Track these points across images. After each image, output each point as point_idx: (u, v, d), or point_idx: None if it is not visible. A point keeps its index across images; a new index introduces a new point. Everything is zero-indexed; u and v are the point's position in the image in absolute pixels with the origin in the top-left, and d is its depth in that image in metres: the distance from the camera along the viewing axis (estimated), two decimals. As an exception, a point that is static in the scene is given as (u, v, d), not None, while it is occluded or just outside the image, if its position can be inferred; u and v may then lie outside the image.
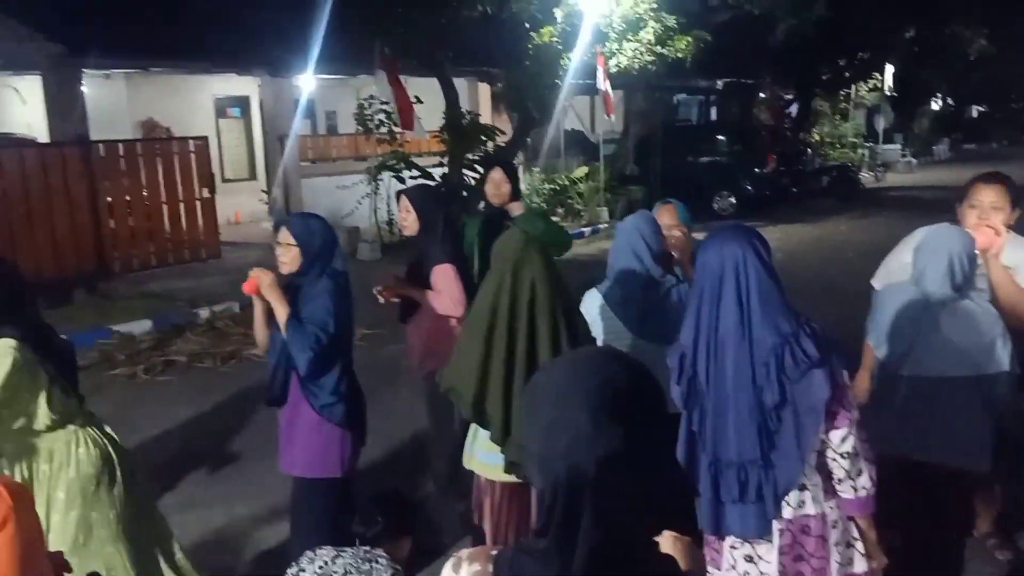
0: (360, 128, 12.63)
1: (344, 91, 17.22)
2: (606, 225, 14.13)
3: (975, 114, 36.28)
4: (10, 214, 9.31)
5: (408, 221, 3.79)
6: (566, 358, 1.28)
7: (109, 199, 10.44)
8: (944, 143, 30.41)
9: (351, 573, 2.30)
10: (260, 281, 3.07)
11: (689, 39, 12.49)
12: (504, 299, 2.59)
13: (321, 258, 3.10)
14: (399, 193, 3.99)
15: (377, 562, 2.34)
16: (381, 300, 3.82)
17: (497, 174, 4.35)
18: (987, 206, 3.16)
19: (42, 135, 12.61)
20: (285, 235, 3.11)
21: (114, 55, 11.53)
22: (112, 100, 14.09)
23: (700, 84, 20.14)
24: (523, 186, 14.04)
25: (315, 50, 11.36)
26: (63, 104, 11.04)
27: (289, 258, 3.10)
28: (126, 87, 14.56)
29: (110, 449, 2.84)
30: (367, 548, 2.41)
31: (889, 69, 22.20)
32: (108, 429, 2.94)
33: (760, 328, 2.17)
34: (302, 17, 10.88)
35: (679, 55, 12.59)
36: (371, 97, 12.08)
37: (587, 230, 13.91)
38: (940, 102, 30.85)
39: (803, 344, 2.13)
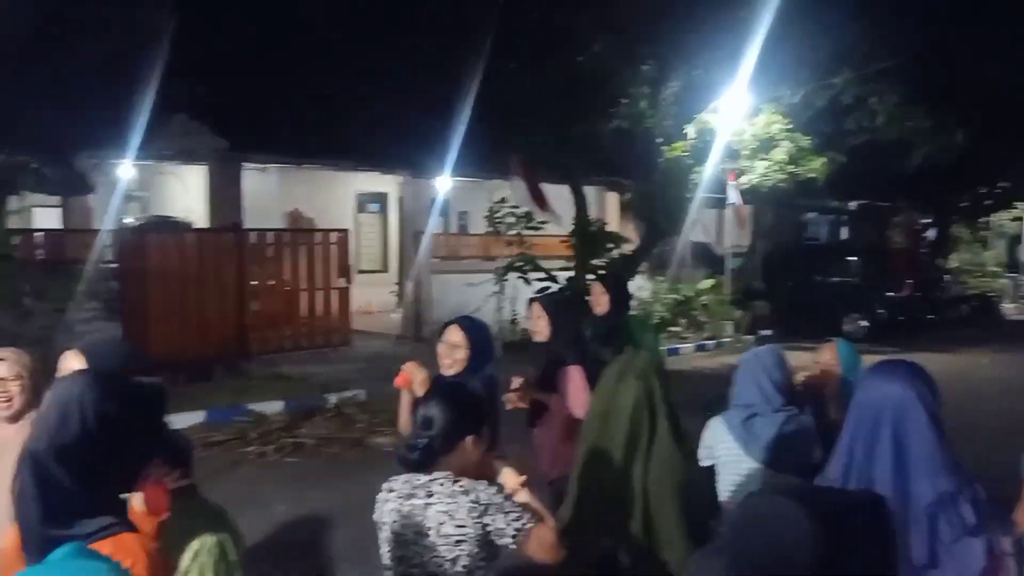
0: (490, 229, 13.06)
1: (477, 193, 17.93)
2: (730, 339, 13.85)
3: None
4: (165, 291, 10.05)
5: (540, 327, 3.91)
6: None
7: (254, 283, 11.12)
8: (1096, 277, 28.45)
9: None
10: (413, 377, 3.16)
11: (823, 160, 12.40)
12: (621, 422, 2.68)
13: (482, 362, 3.21)
14: (532, 300, 4.14)
15: None
16: (509, 406, 3.87)
17: (597, 287, 4.67)
18: None
19: (199, 220, 13.70)
20: (457, 335, 3.21)
21: (272, 151, 12.55)
22: (265, 191, 15.19)
23: (832, 204, 19.82)
24: (647, 295, 14.05)
25: (454, 153, 12.01)
26: (223, 193, 12.01)
27: (456, 359, 3.21)
28: (278, 180, 15.70)
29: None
30: None
31: (1035, 198, 21.15)
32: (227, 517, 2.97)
33: (917, 483, 2.00)
34: (443, 121, 11.56)
35: (812, 175, 12.50)
36: (503, 200, 12.53)
37: (710, 343, 13.67)
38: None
39: (961, 509, 1.96)
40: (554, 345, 3.84)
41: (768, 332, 14.65)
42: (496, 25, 10.72)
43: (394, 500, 2.29)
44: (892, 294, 15.53)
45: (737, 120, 11.93)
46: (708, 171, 12.11)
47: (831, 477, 2.20)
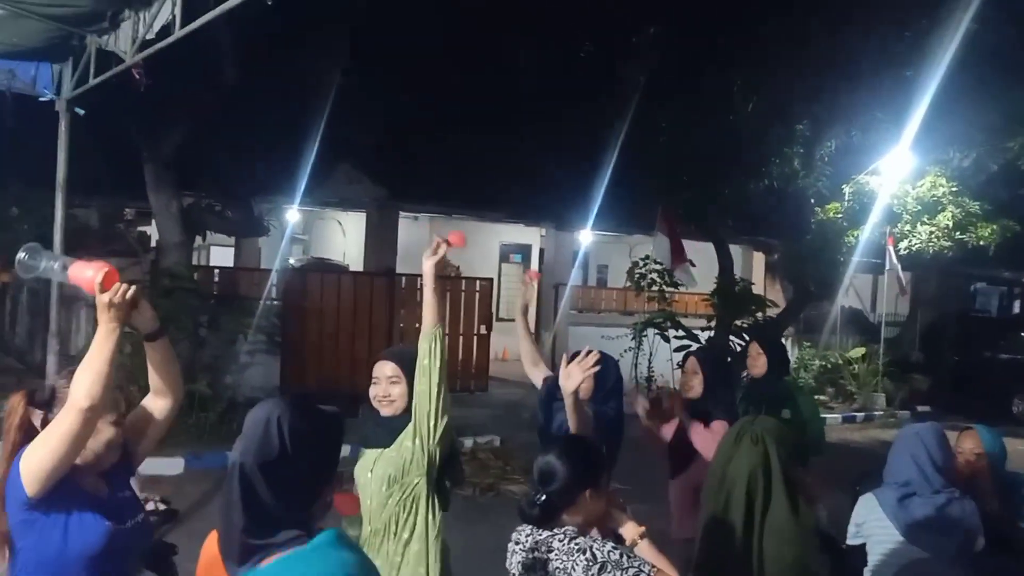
0: (630, 284, 13.04)
1: (617, 247, 18.01)
2: (881, 413, 13.07)
3: None
4: (321, 328, 10.68)
5: (693, 383, 3.87)
6: None
7: (402, 326, 11.61)
8: None
9: None
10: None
11: (994, 227, 11.63)
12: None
13: (607, 396, 3.37)
14: (688, 354, 4.09)
15: None
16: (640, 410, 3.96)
17: (754, 348, 4.48)
18: None
19: (355, 263, 14.51)
20: None
21: (426, 201, 13.19)
22: (416, 239, 15.90)
23: (1004, 275, 18.44)
24: (792, 361, 13.52)
25: (597, 207, 12.15)
26: (379, 239, 12.70)
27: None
28: (430, 228, 16.40)
29: None
30: None
31: None
32: None
33: None
34: (589, 175, 11.74)
35: (981, 243, 11.73)
36: (646, 257, 12.51)
37: (859, 415, 12.94)
38: None
39: None
40: (705, 403, 3.79)
41: (926, 408, 13.70)
42: (647, 82, 10.87)
43: (519, 552, 2.32)
44: (1072, 375, 14.18)
45: (898, 183, 11.43)
46: (864, 234, 11.63)
47: None
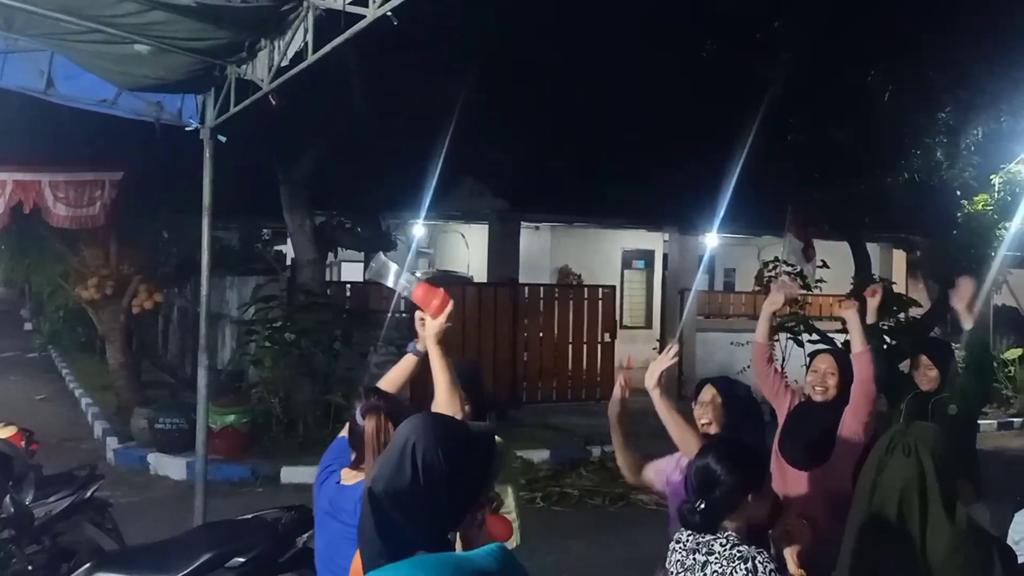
0: (759, 288, 12.60)
1: (745, 250, 17.44)
2: (1020, 418, 12.07)
3: None
4: (447, 338, 10.86)
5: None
6: None
7: (526, 335, 11.69)
8: None
9: None
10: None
11: None
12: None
13: (740, 425, 3.15)
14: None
15: None
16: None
17: (925, 360, 4.26)
18: None
19: (479, 275, 14.72)
20: (709, 394, 3.23)
21: (547, 210, 13.22)
22: (538, 248, 15.98)
23: None
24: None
25: (722, 210, 11.78)
26: (501, 250, 12.82)
27: (710, 418, 3.18)
28: (550, 237, 16.45)
29: None
30: None
31: None
32: None
33: None
34: (713, 177, 11.40)
35: None
36: (776, 259, 12.05)
37: (1017, 420, 11.97)
38: None
39: None
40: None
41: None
42: (776, 80, 10.48)
43: (679, 552, 2.31)
44: None
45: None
46: (1017, 226, 10.76)
47: None
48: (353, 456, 2.51)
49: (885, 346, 11.37)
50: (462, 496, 1.66)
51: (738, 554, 2.18)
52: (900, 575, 2.74)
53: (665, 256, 15.29)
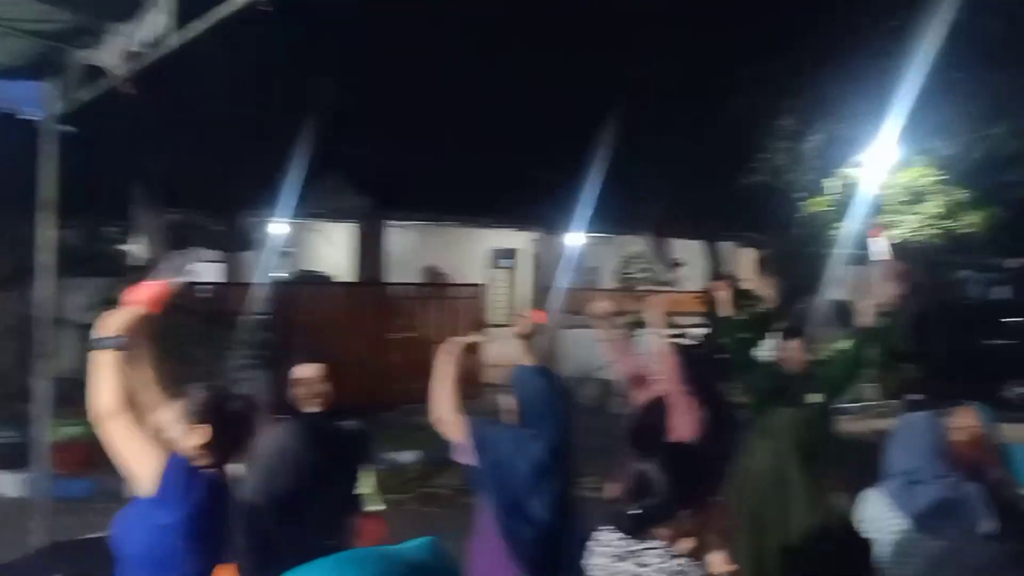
0: (621, 284, 13.03)
1: (606, 248, 17.97)
2: (874, 403, 13.09)
3: None
4: (311, 340, 10.57)
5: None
6: None
7: (393, 335, 11.53)
8: None
9: None
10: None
11: (982, 214, 11.70)
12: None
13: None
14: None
15: None
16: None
17: (794, 343, 4.35)
18: None
19: (344, 275, 14.40)
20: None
21: (413, 209, 13.11)
22: (404, 247, 15.81)
23: (991, 261, 18.55)
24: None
25: (588, 209, 12.12)
26: (367, 249, 12.61)
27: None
28: (417, 237, 16.32)
29: None
30: None
31: None
32: None
33: None
34: (578, 178, 11.71)
35: (968, 230, 11.79)
36: (636, 257, 12.50)
37: (852, 406, 12.95)
38: None
39: None
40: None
41: (918, 396, 13.73)
42: (635, 83, 10.86)
43: (603, 556, 2.18)
44: (1061, 360, 14.29)
45: (883, 173, 11.46)
46: (851, 226, 11.66)
47: None
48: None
49: (739, 338, 12.06)
50: (340, 499, 1.60)
51: (677, 568, 2.07)
52: (767, 556, 2.89)
53: (532, 255, 15.52)
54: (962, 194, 11.54)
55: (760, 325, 12.24)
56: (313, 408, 3.06)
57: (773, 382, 4.35)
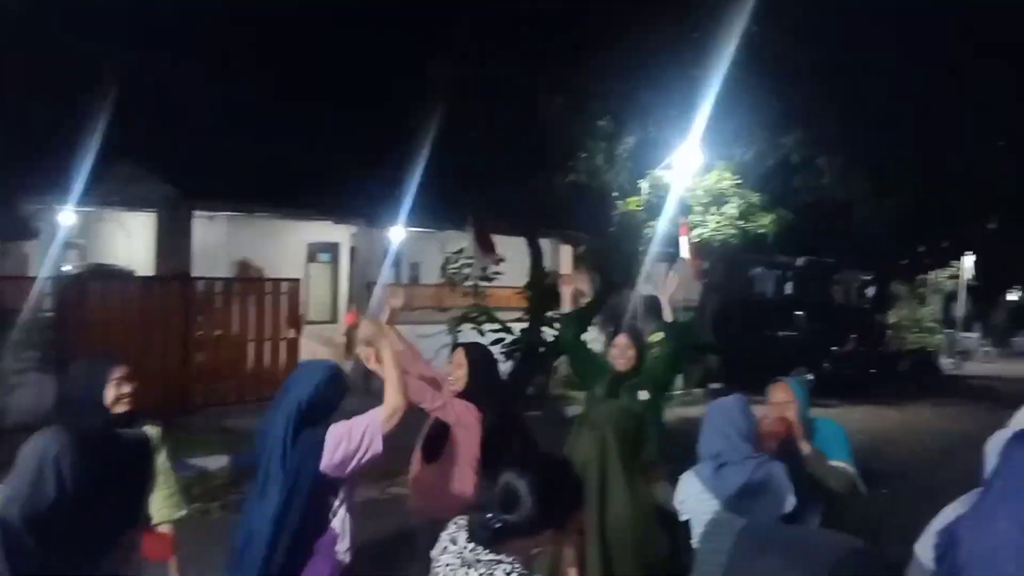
0: (444, 280, 12.95)
1: (429, 243, 17.83)
2: (680, 392, 13.88)
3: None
4: (103, 342, 9.63)
5: (458, 375, 3.83)
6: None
7: (200, 333, 10.76)
8: (1022, 336, 29.60)
9: None
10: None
11: (772, 216, 12.67)
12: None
13: None
14: (456, 346, 4.17)
15: None
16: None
17: (622, 339, 4.38)
18: None
19: (143, 269, 13.28)
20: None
21: (223, 199, 12.31)
22: (213, 240, 14.84)
23: (780, 260, 20.27)
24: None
25: (409, 203, 11.93)
26: (171, 241, 11.69)
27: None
28: (227, 228, 15.37)
29: None
30: None
31: (969, 258, 22.05)
32: None
33: None
34: (399, 171, 11.50)
35: (761, 231, 12.74)
36: (460, 251, 12.46)
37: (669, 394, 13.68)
38: (1021, 293, 30.28)
39: None
40: (468, 395, 3.77)
41: (718, 385, 14.74)
42: (458, 78, 10.80)
43: (453, 556, 2.08)
44: (836, 348, 15.84)
45: (690, 176, 12.13)
46: (661, 226, 12.25)
47: (961, 534, 2.13)
48: None
49: (556, 335, 12.32)
50: (116, 514, 1.35)
51: None
52: (592, 548, 2.87)
53: (352, 249, 15.07)
54: (756, 197, 12.43)
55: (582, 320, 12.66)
56: (107, 413, 2.72)
57: (606, 375, 4.41)
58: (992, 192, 18.04)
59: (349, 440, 2.81)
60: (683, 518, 3.22)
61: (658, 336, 16.30)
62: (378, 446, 2.78)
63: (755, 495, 3.06)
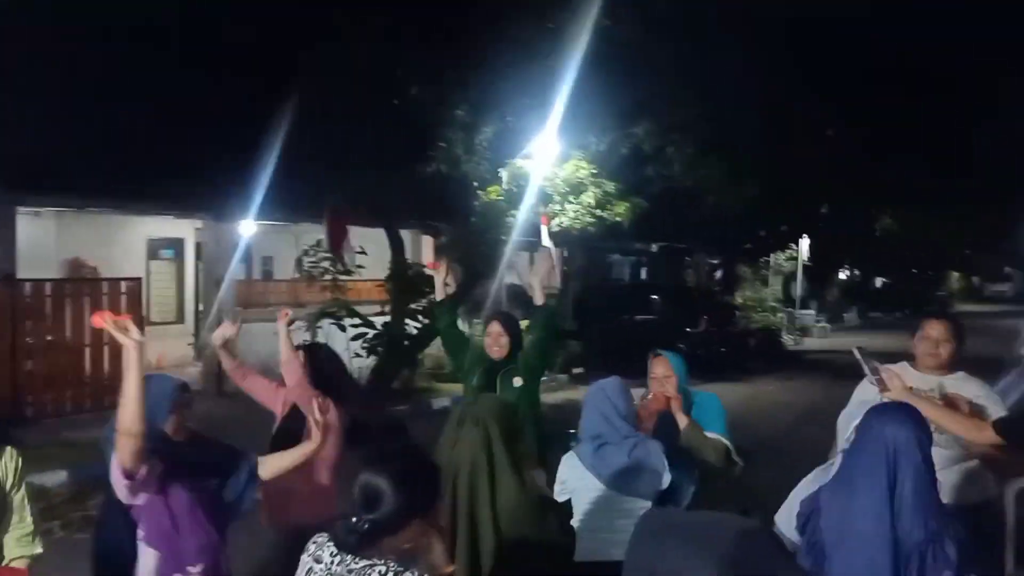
0: (300, 274, 12.50)
1: (283, 237, 17.16)
2: (544, 378, 14.07)
3: (879, 284, 38.66)
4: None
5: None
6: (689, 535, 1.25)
7: (29, 340, 9.86)
8: (853, 311, 32.10)
9: None
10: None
11: (627, 204, 13.03)
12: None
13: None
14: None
15: None
16: None
17: (495, 327, 4.38)
18: (935, 338, 3.49)
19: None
20: None
21: (50, 194, 11.29)
22: (40, 238, 13.62)
23: (635, 246, 20.98)
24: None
25: (259, 196, 11.38)
26: (-9, 240, 10.59)
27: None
28: (56, 225, 14.16)
29: None
30: None
31: (805, 241, 23.65)
32: None
33: (909, 521, 2.12)
34: (248, 162, 10.95)
35: (617, 219, 13.08)
36: (317, 244, 12.05)
37: (543, 378, 13.80)
38: (848, 272, 32.83)
39: (946, 547, 2.11)
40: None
41: (580, 370, 15.07)
42: (312, 66, 10.39)
43: (320, 574, 1.99)
44: (690, 330, 16.55)
45: (549, 166, 12.26)
46: (522, 215, 12.32)
47: (820, 507, 2.25)
48: None
49: (418, 328, 12.15)
50: None
51: None
52: (471, 539, 2.87)
53: (198, 244, 14.24)
54: (612, 186, 12.74)
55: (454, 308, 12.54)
56: None
57: (481, 365, 4.41)
58: (825, 179, 19.45)
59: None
60: (563, 497, 3.28)
61: (524, 323, 16.55)
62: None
63: (633, 473, 3.15)
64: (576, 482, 3.25)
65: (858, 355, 3.38)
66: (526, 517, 2.91)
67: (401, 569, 1.95)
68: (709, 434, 3.55)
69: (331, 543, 2.01)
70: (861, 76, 19.17)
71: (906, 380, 3.34)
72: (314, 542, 2.06)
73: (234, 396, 2.89)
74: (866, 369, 3.34)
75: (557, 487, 3.33)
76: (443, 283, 4.74)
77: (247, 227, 13.16)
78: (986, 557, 2.98)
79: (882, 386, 3.19)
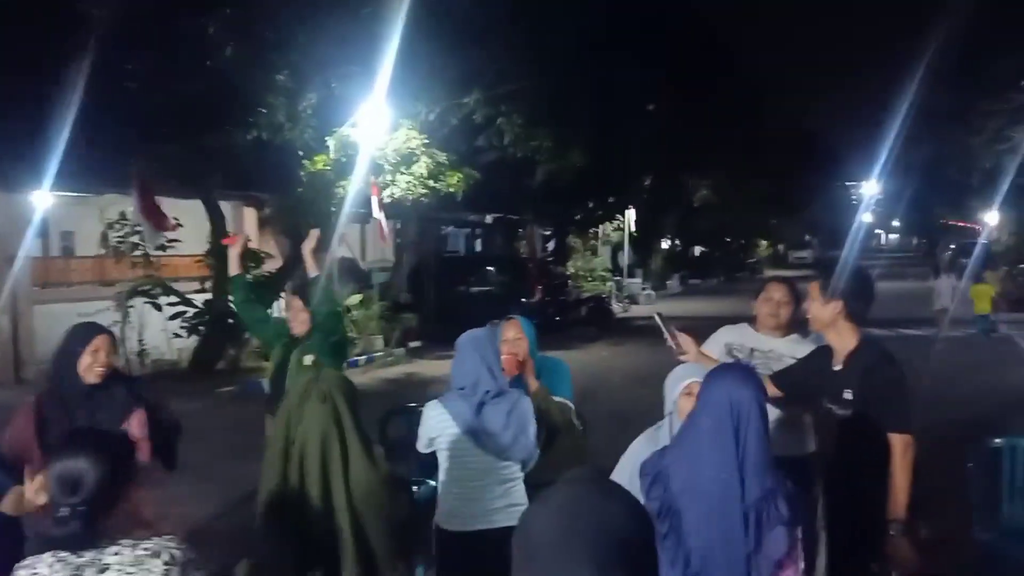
0: (106, 250, 11.50)
1: (84, 210, 15.68)
2: (381, 353, 13.82)
3: (698, 253, 41.09)
4: None
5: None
6: (558, 501, 1.19)
7: None
8: (675, 278, 33.92)
9: None
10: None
11: (460, 175, 12.94)
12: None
13: None
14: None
15: None
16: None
17: (296, 302, 4.22)
18: (777, 300, 3.61)
19: None
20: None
21: None
22: None
23: (469, 218, 21.00)
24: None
25: (56, 164, 10.28)
26: None
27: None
28: None
29: None
30: None
31: (631, 212, 24.64)
32: None
33: (751, 479, 2.21)
34: (42, 128, 9.85)
35: (450, 190, 12.97)
36: (122, 217, 11.10)
37: (362, 358, 13.48)
38: (670, 242, 34.59)
39: (779, 503, 2.20)
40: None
41: (417, 343, 14.94)
42: (113, 24, 9.43)
43: None
44: (525, 300, 16.81)
45: (378, 135, 11.91)
46: (352, 186, 11.93)
47: (666, 464, 2.29)
48: None
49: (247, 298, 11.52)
50: None
51: (147, 552, 1.84)
52: (326, 517, 2.83)
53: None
54: (444, 157, 12.60)
55: (270, 286, 11.95)
56: None
57: (281, 340, 4.25)
58: (647, 153, 20.27)
59: None
60: (428, 450, 3.15)
61: (358, 297, 16.23)
62: None
63: (514, 434, 3.08)
64: (446, 439, 3.09)
65: (659, 321, 3.50)
66: (381, 491, 2.86)
67: (137, 541, 1.88)
68: (556, 397, 3.53)
69: (41, 560, 1.82)
70: (683, 51, 20.03)
71: (745, 341, 3.51)
72: (21, 565, 1.84)
73: (35, 383, 2.55)
74: (665, 334, 3.44)
75: (423, 440, 3.14)
76: (237, 257, 4.48)
77: (42, 198, 11.90)
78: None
79: (679, 350, 3.27)
